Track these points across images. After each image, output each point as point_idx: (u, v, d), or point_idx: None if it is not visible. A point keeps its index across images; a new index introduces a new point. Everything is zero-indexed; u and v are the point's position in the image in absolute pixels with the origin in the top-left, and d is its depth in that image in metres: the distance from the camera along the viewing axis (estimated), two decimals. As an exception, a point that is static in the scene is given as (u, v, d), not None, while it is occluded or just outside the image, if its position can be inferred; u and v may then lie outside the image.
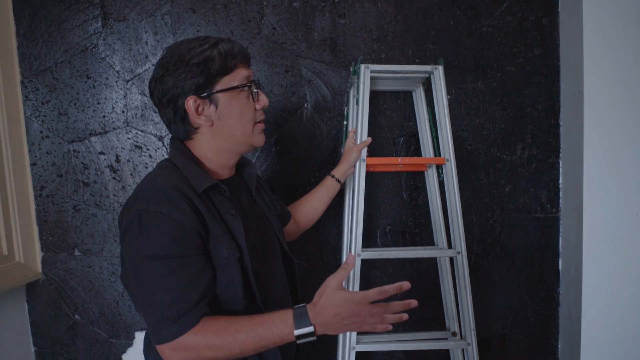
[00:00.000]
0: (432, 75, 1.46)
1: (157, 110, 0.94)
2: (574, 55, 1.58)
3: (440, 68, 1.45)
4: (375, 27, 1.66)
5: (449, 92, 1.67)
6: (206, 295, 0.86)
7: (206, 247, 0.88)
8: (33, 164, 1.56)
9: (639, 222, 1.50)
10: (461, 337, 1.45)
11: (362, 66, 1.44)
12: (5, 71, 1.50)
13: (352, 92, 1.54)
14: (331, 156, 1.65)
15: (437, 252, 1.49)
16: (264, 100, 0.98)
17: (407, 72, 1.45)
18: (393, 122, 1.66)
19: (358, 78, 1.44)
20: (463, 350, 1.44)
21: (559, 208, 1.71)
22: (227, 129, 0.94)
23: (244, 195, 1.03)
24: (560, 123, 1.70)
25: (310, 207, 1.35)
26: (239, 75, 0.93)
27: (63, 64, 1.55)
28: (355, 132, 1.43)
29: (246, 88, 0.94)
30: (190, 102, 0.89)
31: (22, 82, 1.55)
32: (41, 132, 1.56)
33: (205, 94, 0.90)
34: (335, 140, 1.65)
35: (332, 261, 1.65)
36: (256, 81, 0.97)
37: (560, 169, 1.70)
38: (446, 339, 1.49)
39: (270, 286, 0.99)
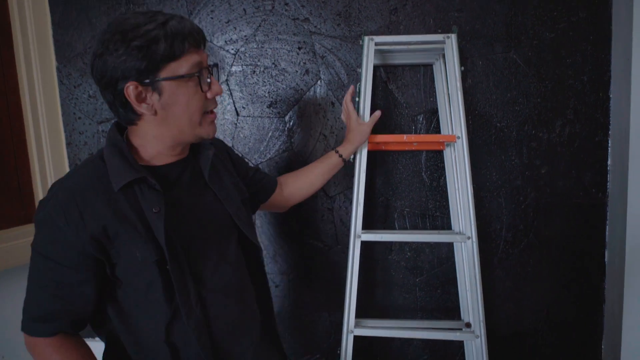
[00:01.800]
0: (444, 46, 1.33)
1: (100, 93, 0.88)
2: (627, 18, 1.35)
3: (453, 37, 1.32)
4: (389, -2, 1.55)
5: (474, 64, 1.52)
6: (69, 312, 0.85)
7: (96, 263, 0.84)
8: (68, 144, 1.67)
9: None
10: (477, 330, 1.33)
11: (366, 38, 1.35)
12: (43, 58, 1.63)
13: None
14: (342, 133, 1.59)
15: (444, 236, 1.36)
16: (216, 89, 0.89)
17: (415, 42, 1.34)
18: (412, 97, 1.55)
19: (362, 51, 1.36)
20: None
21: (606, 193, 1.50)
22: (172, 118, 0.86)
23: (191, 181, 0.95)
24: (611, 96, 1.47)
25: (307, 181, 1.29)
26: (188, 62, 0.83)
27: (91, 49, 1.64)
28: (358, 104, 1.35)
29: (195, 76, 0.84)
30: (131, 89, 0.80)
31: (57, 68, 1.66)
32: (74, 113, 1.66)
33: (147, 81, 0.81)
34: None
35: (346, 241, 1.60)
36: (211, 66, 0.89)
37: (609, 148, 1.48)
38: (460, 329, 1.38)
39: (212, 282, 0.93)
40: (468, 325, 1.35)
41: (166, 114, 0.85)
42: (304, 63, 1.60)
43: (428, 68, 1.53)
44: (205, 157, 0.97)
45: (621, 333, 1.35)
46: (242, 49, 1.61)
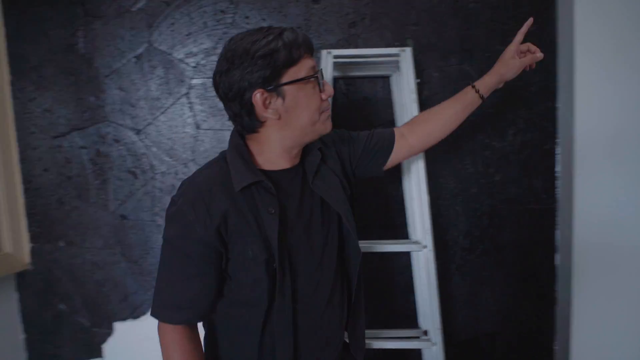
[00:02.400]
0: (400, 58, 1.37)
1: (222, 104, 0.96)
2: (570, 30, 1.43)
3: (409, 50, 1.37)
4: (352, 10, 1.59)
5: (431, 76, 1.57)
6: (194, 302, 0.93)
7: (219, 256, 0.92)
8: (22, 159, 1.63)
9: (635, 214, 1.34)
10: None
11: (324, 52, 1.38)
12: (-4, 72, 1.58)
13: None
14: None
15: (401, 246, 1.39)
16: (329, 90, 0.96)
17: (372, 56, 1.38)
18: (371, 109, 1.59)
19: (319, 64, 1.39)
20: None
21: (555, 198, 1.57)
22: (294, 120, 0.93)
23: (300, 187, 1.00)
24: (558, 106, 1.55)
25: (439, 124, 1.16)
26: (304, 66, 0.91)
27: (47, 62, 1.60)
28: None
29: (312, 79, 0.92)
30: (258, 96, 0.88)
31: (10, 82, 1.62)
32: (28, 128, 1.62)
33: (272, 87, 0.89)
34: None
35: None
36: (321, 71, 0.95)
37: (557, 155, 1.56)
38: (418, 337, 1.41)
39: (308, 289, 0.98)
40: (425, 333, 1.39)
41: (289, 116, 0.92)
42: (265, 76, 1.61)
43: (386, 80, 1.57)
44: (311, 162, 1.02)
45: (570, 333, 1.42)
46: (203, 61, 1.61)
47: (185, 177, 0.98)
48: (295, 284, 0.96)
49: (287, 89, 0.90)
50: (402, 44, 1.55)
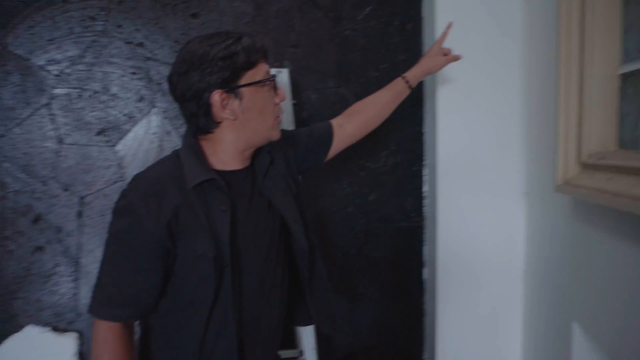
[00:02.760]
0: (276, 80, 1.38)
1: (178, 105, 0.96)
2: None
3: (286, 71, 1.39)
4: (232, 27, 1.58)
5: (309, 97, 1.61)
6: (137, 299, 0.91)
7: (166, 253, 0.90)
8: None
9: (489, 231, 1.48)
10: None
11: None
12: None
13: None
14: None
15: None
16: (282, 94, 1.00)
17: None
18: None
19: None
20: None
21: (423, 216, 1.69)
22: (249, 122, 0.95)
23: (250, 189, 1.02)
24: (424, 131, 1.67)
25: (373, 112, 1.27)
26: (261, 70, 0.94)
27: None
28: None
29: (268, 82, 0.95)
30: (216, 96, 0.90)
31: None
32: None
33: (230, 88, 0.91)
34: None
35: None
36: (275, 76, 0.98)
37: (424, 176, 1.68)
38: (297, 357, 1.42)
39: (254, 285, 1.00)
40: (301, 353, 1.40)
41: (245, 117, 0.94)
42: (138, 89, 1.54)
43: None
44: (261, 165, 1.04)
45: (436, 342, 1.52)
46: (68, 70, 1.49)
47: (136, 174, 0.96)
48: (241, 281, 0.97)
49: (244, 90, 0.92)
50: (282, 65, 1.57)
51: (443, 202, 1.51)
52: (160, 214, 0.88)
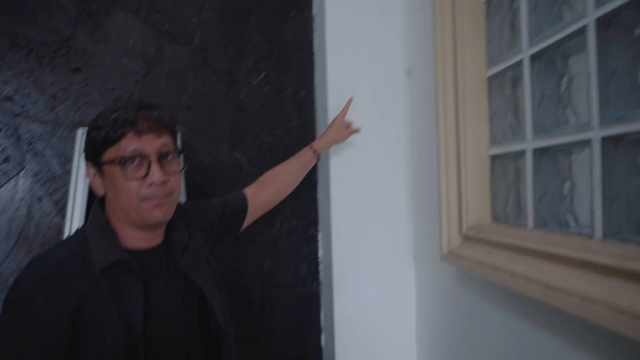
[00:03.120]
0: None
1: None
2: (326, 126, 1.60)
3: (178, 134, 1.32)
4: (119, 85, 1.48)
5: (202, 160, 1.55)
6: None
7: (68, 348, 0.78)
8: None
9: (383, 295, 1.51)
10: None
11: (80, 130, 1.23)
12: None
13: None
14: (54, 234, 1.37)
15: None
16: (153, 176, 0.84)
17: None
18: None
19: (75, 144, 1.23)
20: None
21: (319, 282, 1.67)
22: (117, 198, 0.86)
23: (166, 268, 0.92)
24: (318, 195, 1.69)
25: (283, 181, 1.29)
26: (123, 148, 0.83)
27: None
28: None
29: (116, 163, 0.83)
30: (88, 169, 0.88)
31: None
32: None
33: (95, 164, 0.87)
34: (61, 217, 1.38)
35: None
36: (164, 154, 0.87)
37: (319, 241, 1.68)
38: None
39: None
40: None
41: (109, 197, 0.88)
42: (4, 149, 1.35)
43: (153, 163, 1.48)
44: (178, 240, 0.95)
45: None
46: None
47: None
48: None
49: (105, 168, 0.85)
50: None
51: (338, 267, 1.51)
52: (62, 303, 0.78)
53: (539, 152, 0.92)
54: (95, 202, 0.92)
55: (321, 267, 1.67)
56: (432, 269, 1.39)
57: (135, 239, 0.89)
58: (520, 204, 1.01)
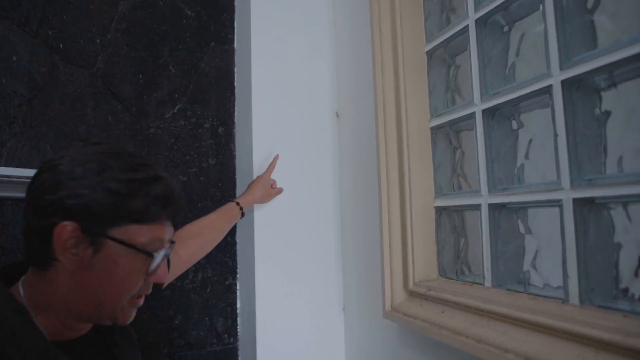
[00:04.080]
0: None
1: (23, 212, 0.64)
2: (248, 167, 1.48)
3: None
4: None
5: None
6: None
7: None
8: None
9: (312, 349, 1.41)
10: None
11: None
12: None
13: None
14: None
15: None
16: (161, 275, 0.70)
17: (17, 177, 1.04)
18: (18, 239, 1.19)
19: None
20: None
21: (237, 337, 1.51)
22: (91, 287, 0.65)
23: (100, 352, 0.74)
24: (237, 240, 1.55)
25: (208, 238, 1.17)
26: (152, 233, 0.67)
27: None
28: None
29: (147, 255, 0.66)
30: (67, 230, 0.61)
31: None
32: None
33: (93, 232, 0.63)
34: None
35: None
36: (169, 249, 0.71)
37: (238, 291, 1.53)
38: None
39: None
40: None
41: (87, 277, 0.64)
42: None
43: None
44: (110, 326, 0.75)
45: None
46: None
47: None
48: None
49: (110, 245, 0.64)
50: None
51: (262, 320, 1.38)
52: None
53: (494, 207, 0.92)
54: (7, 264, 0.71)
55: (240, 320, 1.51)
56: (370, 323, 1.31)
57: (64, 329, 0.68)
58: (469, 259, 1.01)
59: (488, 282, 0.91)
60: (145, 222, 0.66)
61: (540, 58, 0.82)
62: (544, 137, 0.83)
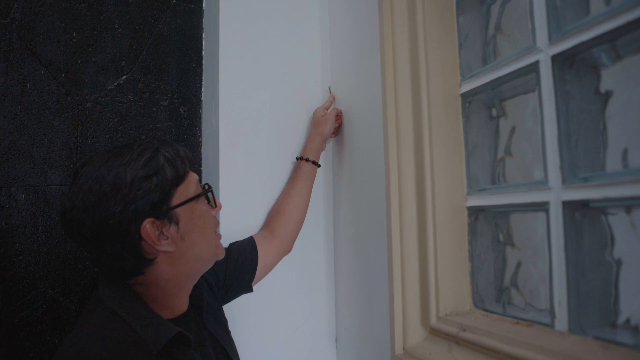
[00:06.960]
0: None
1: (85, 248, 0.68)
2: (214, 156, 1.16)
3: None
4: None
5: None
6: None
7: None
8: None
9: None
10: None
11: None
12: None
13: None
14: None
15: None
16: (219, 203, 0.82)
17: None
18: None
19: None
20: None
21: None
22: (191, 248, 0.73)
23: (198, 332, 0.79)
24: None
25: (290, 209, 1.08)
26: (191, 182, 0.75)
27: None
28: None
29: (204, 194, 0.77)
30: (148, 226, 0.67)
31: None
32: None
33: (162, 213, 0.69)
34: None
35: None
36: (208, 185, 0.79)
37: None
38: None
39: None
40: None
41: (185, 245, 0.73)
42: None
43: None
44: (199, 300, 0.82)
45: None
46: None
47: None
48: None
49: (180, 211, 0.71)
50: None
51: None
52: None
53: (572, 206, 0.59)
54: (100, 281, 0.73)
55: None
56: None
57: (172, 306, 0.75)
58: (522, 284, 0.67)
59: (561, 324, 0.57)
60: (182, 180, 0.72)
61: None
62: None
